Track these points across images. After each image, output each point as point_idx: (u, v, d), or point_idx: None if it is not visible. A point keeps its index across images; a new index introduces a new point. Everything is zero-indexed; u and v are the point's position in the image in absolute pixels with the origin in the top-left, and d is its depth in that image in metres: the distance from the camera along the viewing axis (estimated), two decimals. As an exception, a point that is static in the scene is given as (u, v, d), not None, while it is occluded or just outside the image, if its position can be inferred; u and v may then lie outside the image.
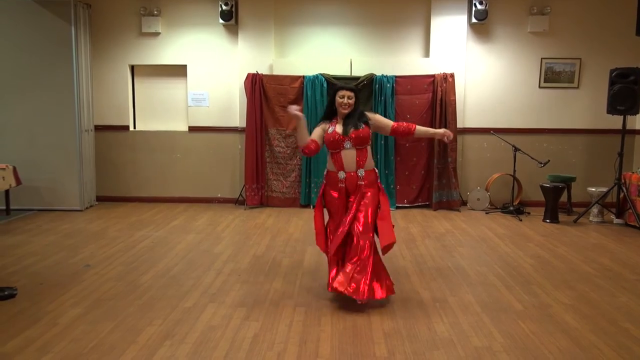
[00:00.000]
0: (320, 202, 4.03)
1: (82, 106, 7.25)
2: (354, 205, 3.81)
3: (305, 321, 3.59)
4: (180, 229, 6.30)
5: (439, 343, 3.29)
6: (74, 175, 7.25)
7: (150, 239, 5.80)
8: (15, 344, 3.23)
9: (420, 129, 4.03)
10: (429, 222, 6.76)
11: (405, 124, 4.03)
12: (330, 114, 3.97)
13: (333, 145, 3.83)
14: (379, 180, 3.97)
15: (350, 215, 3.80)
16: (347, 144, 3.80)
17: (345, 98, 3.83)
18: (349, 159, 3.81)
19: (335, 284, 3.71)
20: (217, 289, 4.23)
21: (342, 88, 3.89)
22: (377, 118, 4.03)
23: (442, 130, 4.04)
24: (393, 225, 3.91)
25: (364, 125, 3.83)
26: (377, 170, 3.98)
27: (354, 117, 3.84)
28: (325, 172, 4.01)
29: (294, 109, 3.75)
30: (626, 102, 6.60)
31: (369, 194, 3.83)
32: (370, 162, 3.89)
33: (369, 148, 3.90)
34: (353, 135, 3.78)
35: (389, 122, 4.04)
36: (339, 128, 3.85)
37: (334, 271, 3.91)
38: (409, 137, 4.31)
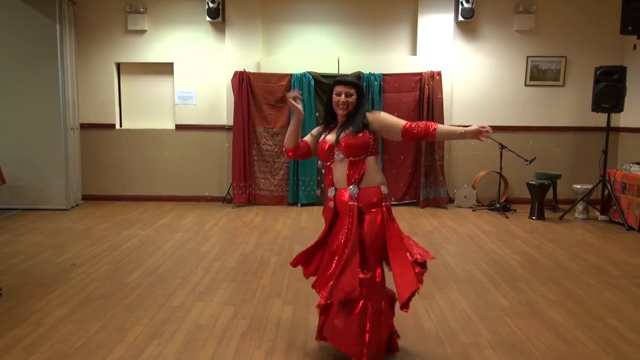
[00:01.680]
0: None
1: (67, 104, 7.17)
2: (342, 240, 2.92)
3: (293, 319, 3.59)
4: (167, 228, 6.26)
5: (426, 340, 3.31)
6: (60, 174, 7.17)
7: (137, 238, 5.76)
8: (2, 343, 3.20)
9: (442, 129, 2.94)
10: (416, 220, 6.79)
11: (422, 124, 2.96)
12: (330, 117, 3.11)
13: (323, 156, 3.05)
14: (384, 203, 2.99)
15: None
16: (339, 155, 2.97)
17: (342, 95, 2.95)
18: (339, 173, 2.99)
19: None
20: (204, 287, 4.22)
21: (339, 82, 3.01)
22: (381, 118, 3.04)
23: (474, 127, 2.85)
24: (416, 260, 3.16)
25: (361, 131, 2.94)
26: (384, 190, 3.01)
27: (352, 121, 2.96)
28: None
29: (292, 96, 3.00)
30: (611, 100, 6.67)
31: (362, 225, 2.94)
32: (371, 178, 2.96)
33: (370, 159, 2.97)
34: (342, 144, 2.93)
35: (399, 123, 3.00)
36: (331, 135, 3.02)
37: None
38: (428, 140, 3.09)
